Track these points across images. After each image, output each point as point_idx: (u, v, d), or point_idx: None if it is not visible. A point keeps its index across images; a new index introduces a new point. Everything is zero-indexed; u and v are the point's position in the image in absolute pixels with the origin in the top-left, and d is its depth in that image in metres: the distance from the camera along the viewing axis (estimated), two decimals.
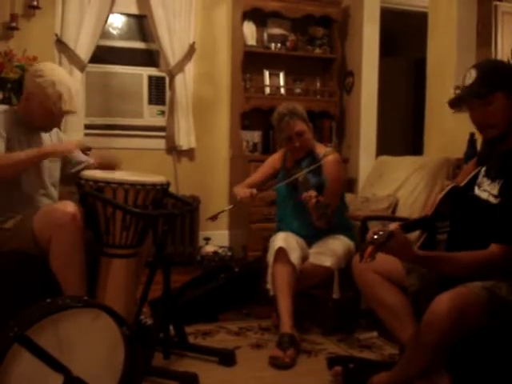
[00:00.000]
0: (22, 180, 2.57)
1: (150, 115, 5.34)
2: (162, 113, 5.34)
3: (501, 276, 1.98)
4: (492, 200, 2.08)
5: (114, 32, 5.32)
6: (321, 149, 3.24)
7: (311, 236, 3.16)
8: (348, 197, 3.77)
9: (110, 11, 5.01)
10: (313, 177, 2.98)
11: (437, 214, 2.25)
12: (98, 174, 2.54)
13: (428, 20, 4.67)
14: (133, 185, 2.44)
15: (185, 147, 5.23)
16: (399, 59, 6.98)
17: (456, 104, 2.17)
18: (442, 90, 4.33)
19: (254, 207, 4.73)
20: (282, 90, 5.50)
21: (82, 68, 4.86)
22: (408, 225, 2.25)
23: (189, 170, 5.33)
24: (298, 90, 5.55)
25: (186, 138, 5.20)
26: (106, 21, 5.03)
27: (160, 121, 5.33)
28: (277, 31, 5.44)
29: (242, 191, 3.17)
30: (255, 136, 5.40)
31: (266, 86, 5.42)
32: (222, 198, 5.42)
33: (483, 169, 2.22)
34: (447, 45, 4.39)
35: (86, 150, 3.48)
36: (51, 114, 2.61)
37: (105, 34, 5.15)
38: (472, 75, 2.08)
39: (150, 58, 5.39)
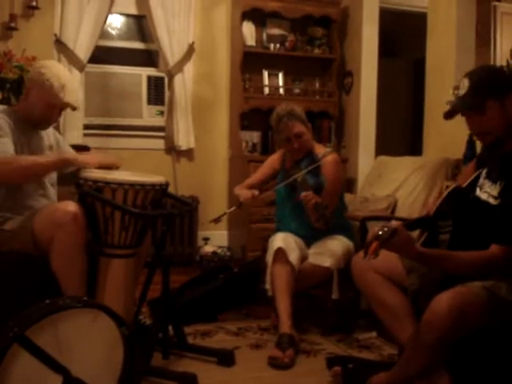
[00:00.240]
0: None
1: (149, 115, 5.34)
2: (161, 113, 5.34)
3: (501, 276, 1.99)
4: (492, 201, 2.08)
5: (113, 32, 5.33)
6: (320, 149, 3.24)
7: (310, 236, 3.16)
8: (347, 197, 3.77)
9: (109, 11, 5.01)
10: (311, 177, 2.98)
11: (438, 214, 2.25)
12: (97, 174, 2.53)
13: (427, 20, 4.67)
14: (132, 185, 2.44)
15: (184, 147, 5.23)
16: (398, 59, 6.99)
17: (451, 116, 2.18)
18: (441, 91, 4.33)
19: (253, 207, 4.73)
20: (281, 91, 5.50)
21: (81, 68, 4.86)
22: (410, 223, 2.25)
23: (188, 170, 5.33)
24: (297, 91, 5.55)
25: (185, 138, 5.20)
26: (105, 21, 5.03)
27: (159, 121, 5.33)
28: (276, 31, 5.45)
29: (244, 192, 3.17)
30: (254, 136, 5.40)
31: (265, 86, 5.42)
32: (221, 199, 5.43)
33: (484, 171, 2.22)
34: (446, 45, 4.39)
35: (85, 151, 3.49)
36: (51, 107, 2.61)
37: (104, 34, 5.15)
38: (465, 85, 2.10)
39: (149, 58, 5.39)
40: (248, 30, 5.32)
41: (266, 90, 5.43)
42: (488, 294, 1.90)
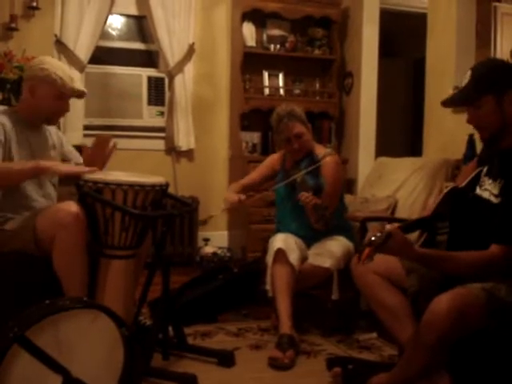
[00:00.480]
0: None
1: (150, 116, 5.34)
2: (162, 113, 5.34)
3: (500, 277, 1.99)
4: (493, 199, 2.08)
5: (114, 33, 5.33)
6: (320, 150, 3.24)
7: (310, 237, 3.16)
8: (347, 198, 3.78)
9: (110, 12, 5.01)
10: (311, 178, 2.97)
11: (436, 215, 2.25)
12: (97, 175, 2.53)
13: (427, 21, 4.67)
14: (132, 186, 2.44)
15: (184, 148, 5.23)
16: (398, 60, 6.98)
17: (449, 104, 2.19)
18: (441, 91, 4.33)
19: (253, 208, 4.73)
20: (282, 91, 5.51)
21: (81, 69, 4.86)
22: (407, 225, 2.25)
23: (188, 171, 5.33)
24: (297, 91, 5.55)
25: (185, 138, 5.20)
26: (106, 21, 5.03)
27: (159, 121, 5.33)
28: (276, 32, 5.45)
29: (231, 196, 3.17)
30: (254, 137, 5.40)
31: (266, 86, 5.42)
32: (221, 199, 5.38)
33: (485, 168, 2.22)
34: (446, 45, 4.39)
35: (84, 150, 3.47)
36: (62, 98, 2.62)
37: (104, 35, 5.15)
38: (467, 77, 2.10)
39: (149, 58, 5.39)
40: (248, 30, 5.33)
41: (266, 91, 5.43)
42: (487, 295, 1.90)
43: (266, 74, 5.45)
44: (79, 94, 2.70)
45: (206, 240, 5.01)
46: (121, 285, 2.52)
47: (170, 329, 2.71)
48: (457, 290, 1.90)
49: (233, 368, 2.67)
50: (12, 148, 2.53)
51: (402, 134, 6.89)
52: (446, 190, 2.32)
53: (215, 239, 5.15)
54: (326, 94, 5.58)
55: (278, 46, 5.38)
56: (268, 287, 3.06)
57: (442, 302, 1.86)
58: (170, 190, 2.73)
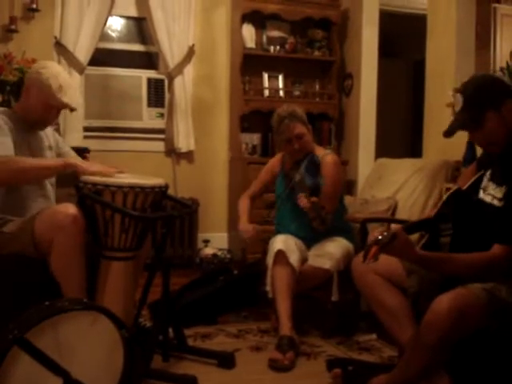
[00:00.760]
0: None
1: (149, 118, 5.35)
2: (161, 115, 5.35)
3: (501, 278, 1.99)
4: (496, 203, 2.08)
5: (113, 34, 5.33)
6: (320, 151, 3.24)
7: (310, 238, 3.17)
8: (347, 199, 3.78)
9: (109, 14, 5.02)
10: (309, 178, 2.97)
11: (439, 216, 2.25)
12: (97, 176, 2.53)
13: (427, 22, 4.67)
14: (132, 187, 2.43)
15: (184, 149, 5.23)
16: (398, 61, 6.99)
17: (451, 133, 2.18)
18: (441, 92, 4.33)
19: (252, 209, 4.72)
20: (281, 93, 5.51)
21: (81, 70, 4.87)
22: (410, 226, 2.25)
23: (188, 173, 5.33)
24: (297, 93, 5.55)
25: (185, 140, 5.20)
26: (105, 23, 5.03)
27: (159, 123, 5.33)
28: (276, 34, 5.45)
29: (247, 230, 3.19)
30: (254, 138, 5.40)
31: (265, 88, 5.43)
32: (221, 201, 5.43)
33: (488, 172, 2.22)
34: (446, 47, 4.40)
35: (84, 153, 3.49)
36: (49, 108, 2.62)
37: (104, 37, 5.16)
38: (459, 101, 2.11)
39: (149, 60, 5.40)
40: (248, 32, 5.33)
41: (266, 93, 5.43)
42: (488, 295, 1.90)
43: (265, 76, 5.45)
44: (65, 106, 2.66)
45: (206, 242, 5.01)
46: (121, 286, 2.51)
47: (170, 330, 2.70)
48: (458, 290, 1.90)
49: (233, 370, 2.67)
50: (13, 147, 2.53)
51: (401, 135, 6.90)
52: (449, 192, 2.32)
53: (215, 241, 5.15)
54: (325, 95, 5.58)
55: (278, 48, 5.38)
56: (268, 288, 3.06)
57: (443, 302, 1.87)
58: (170, 191, 2.73)
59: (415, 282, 2.21)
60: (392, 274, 2.29)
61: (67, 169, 2.54)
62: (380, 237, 1.93)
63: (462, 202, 2.21)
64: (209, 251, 4.84)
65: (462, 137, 3.63)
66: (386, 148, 5.38)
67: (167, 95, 5.27)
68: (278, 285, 2.96)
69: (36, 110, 2.62)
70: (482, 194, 2.19)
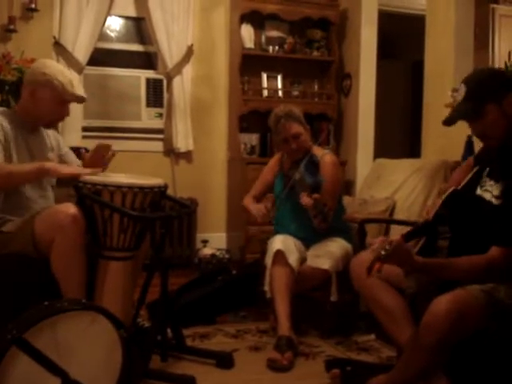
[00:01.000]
0: None
1: (148, 118, 5.35)
2: (160, 115, 5.35)
3: (500, 279, 1.99)
4: (494, 201, 2.08)
5: (112, 34, 5.33)
6: (318, 151, 3.24)
7: (309, 238, 3.17)
8: (346, 199, 3.78)
9: (108, 14, 5.02)
10: (309, 177, 2.97)
11: (438, 218, 2.25)
12: (96, 176, 2.53)
13: (426, 22, 4.68)
14: (130, 187, 2.43)
15: (183, 150, 5.23)
16: (397, 62, 6.99)
17: (450, 122, 2.19)
18: (439, 93, 4.34)
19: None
20: (280, 93, 5.51)
21: (79, 70, 4.87)
22: (411, 233, 2.24)
23: (187, 173, 5.33)
24: (295, 93, 5.56)
25: (183, 140, 5.21)
26: (104, 23, 5.03)
27: (158, 123, 5.34)
28: (275, 34, 5.46)
29: (258, 208, 3.14)
30: (253, 138, 5.40)
31: (264, 88, 5.43)
32: (220, 201, 5.43)
33: (487, 169, 2.22)
34: (445, 47, 4.40)
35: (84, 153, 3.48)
36: (64, 103, 2.64)
37: (103, 37, 5.16)
38: (462, 91, 2.11)
39: (147, 60, 5.40)
40: (247, 32, 5.33)
41: (265, 93, 5.44)
42: (487, 296, 1.90)
43: (264, 76, 5.45)
44: (79, 99, 2.71)
45: (205, 242, 5.01)
46: (119, 286, 2.51)
47: (169, 330, 2.70)
48: (456, 291, 1.90)
49: (231, 370, 2.67)
50: (12, 149, 2.52)
51: (400, 135, 6.89)
52: (446, 193, 2.32)
53: (214, 241, 5.15)
54: (324, 95, 5.58)
55: (277, 48, 5.38)
56: (267, 288, 3.06)
57: (442, 303, 1.87)
58: (169, 191, 2.73)
59: (413, 282, 2.21)
60: (390, 275, 2.29)
61: (40, 174, 2.49)
62: (383, 252, 1.94)
63: (459, 201, 2.21)
64: (207, 251, 4.84)
65: (460, 137, 3.66)
66: (384, 148, 5.38)
67: (166, 95, 5.27)
68: (277, 285, 2.97)
69: (50, 110, 2.62)
70: (479, 191, 2.19)
